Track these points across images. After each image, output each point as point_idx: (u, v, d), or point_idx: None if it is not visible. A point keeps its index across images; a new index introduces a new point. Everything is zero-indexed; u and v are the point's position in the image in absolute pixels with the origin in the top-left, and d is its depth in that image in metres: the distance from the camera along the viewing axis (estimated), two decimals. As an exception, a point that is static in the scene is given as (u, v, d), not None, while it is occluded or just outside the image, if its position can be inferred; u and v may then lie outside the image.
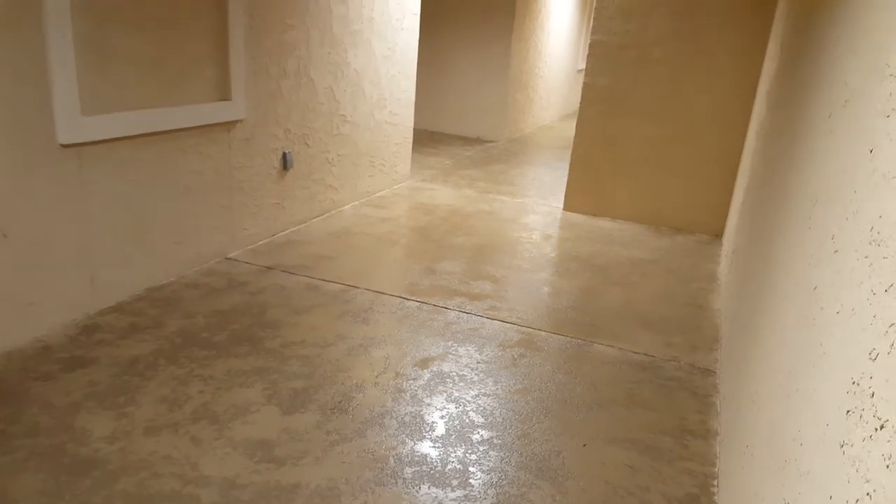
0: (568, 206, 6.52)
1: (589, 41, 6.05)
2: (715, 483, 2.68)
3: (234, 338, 3.50)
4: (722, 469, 2.64)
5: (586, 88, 6.15)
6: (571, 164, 6.41)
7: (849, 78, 1.68)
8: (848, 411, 1.12)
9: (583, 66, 14.76)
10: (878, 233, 1.16)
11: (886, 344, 1.02)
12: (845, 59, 1.79)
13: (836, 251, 1.44)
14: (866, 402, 1.05)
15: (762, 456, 1.79)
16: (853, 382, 1.13)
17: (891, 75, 1.30)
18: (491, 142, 10.14)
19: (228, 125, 4.34)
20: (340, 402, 3.02)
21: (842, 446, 1.12)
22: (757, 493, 1.74)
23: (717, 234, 6.06)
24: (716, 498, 2.59)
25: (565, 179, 7.34)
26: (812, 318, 1.54)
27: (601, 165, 6.29)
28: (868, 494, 0.96)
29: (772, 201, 2.80)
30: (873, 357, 1.06)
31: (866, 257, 1.21)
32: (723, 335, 3.80)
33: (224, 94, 4.24)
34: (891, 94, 1.27)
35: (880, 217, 1.17)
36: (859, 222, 1.30)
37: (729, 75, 5.69)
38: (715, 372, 3.57)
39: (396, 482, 2.55)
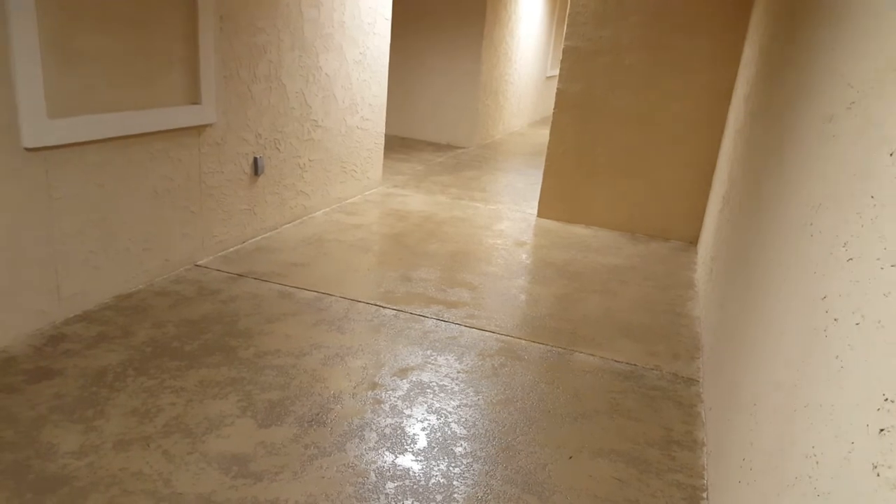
0: (542, 213, 6.49)
1: (563, 47, 6.03)
2: (704, 496, 2.64)
3: (206, 347, 3.38)
4: (711, 482, 2.60)
5: (560, 95, 6.13)
6: (545, 171, 6.37)
7: (853, 80, 1.65)
8: (882, 430, 1.07)
9: (552, 73, 14.81)
10: (909, 240, 1.11)
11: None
12: (848, 62, 1.75)
13: (850, 259, 1.40)
14: (906, 420, 1.00)
15: (764, 472, 1.74)
16: (886, 399, 1.07)
17: (910, 77, 1.25)
18: (462, 148, 10.09)
19: (198, 129, 4.22)
20: (318, 415, 2.92)
21: (875, 468, 1.06)
22: (761, 509, 1.69)
23: (692, 242, 6.06)
24: (705, 510, 2.55)
25: (538, 186, 7.32)
26: (822, 329, 1.49)
27: (575, 172, 6.26)
28: (917, 521, 0.91)
29: (759, 209, 2.77)
30: (912, 372, 1.01)
31: (893, 266, 1.16)
32: (704, 344, 3.78)
33: (194, 98, 4.12)
34: (912, 97, 1.22)
35: (910, 224, 1.12)
36: (880, 229, 1.25)
37: (703, 82, 5.70)
38: (698, 381, 3.54)
39: (378, 498, 2.46)
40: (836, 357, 1.35)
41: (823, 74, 2.04)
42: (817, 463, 1.34)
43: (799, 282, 1.80)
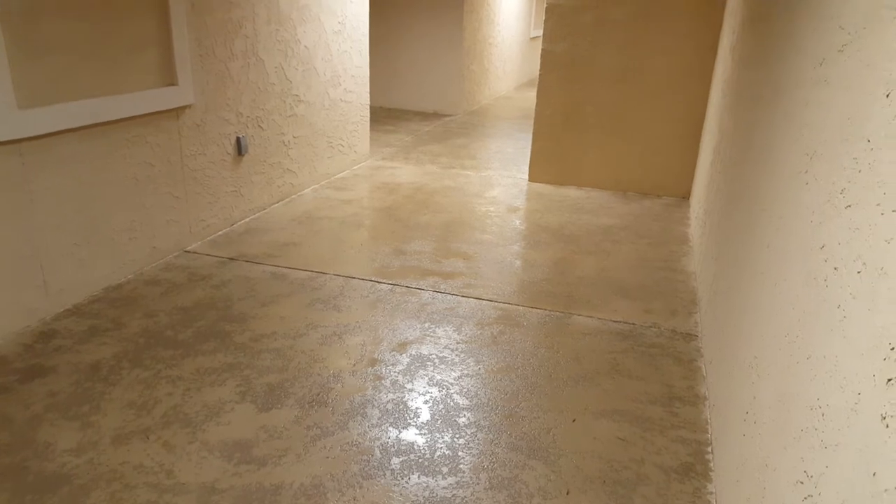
0: (533, 177, 6.42)
1: (545, 5, 5.92)
2: (709, 450, 2.62)
3: (201, 334, 3.34)
4: (715, 436, 2.58)
5: (545, 55, 6.03)
6: (534, 134, 6.30)
7: (844, 22, 1.59)
8: (889, 380, 1.03)
9: (535, 33, 14.63)
10: (911, 183, 1.06)
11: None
12: (838, 3, 1.69)
13: (848, 206, 1.35)
14: (915, 369, 0.96)
15: (769, 425, 1.72)
16: (893, 348, 1.04)
17: (904, 13, 1.20)
18: (449, 115, 9.98)
19: (177, 111, 4.13)
20: (318, 395, 2.90)
21: (884, 418, 1.03)
22: (767, 464, 1.67)
23: (685, 196, 6.02)
24: (711, 465, 2.54)
25: (528, 150, 7.25)
26: (822, 278, 1.45)
27: (564, 133, 6.19)
28: (932, 474, 0.87)
29: (751, 159, 2.72)
30: (919, 320, 0.97)
31: (894, 211, 1.11)
32: (701, 298, 3.75)
33: (170, 79, 4.03)
34: (906, 34, 1.17)
35: (910, 166, 1.08)
36: (879, 173, 1.21)
37: (688, 34, 5.61)
38: (697, 336, 3.52)
39: (384, 474, 2.44)
40: (839, 307, 1.32)
41: (813, 18, 1.98)
42: (823, 415, 1.31)
43: (795, 232, 1.76)
